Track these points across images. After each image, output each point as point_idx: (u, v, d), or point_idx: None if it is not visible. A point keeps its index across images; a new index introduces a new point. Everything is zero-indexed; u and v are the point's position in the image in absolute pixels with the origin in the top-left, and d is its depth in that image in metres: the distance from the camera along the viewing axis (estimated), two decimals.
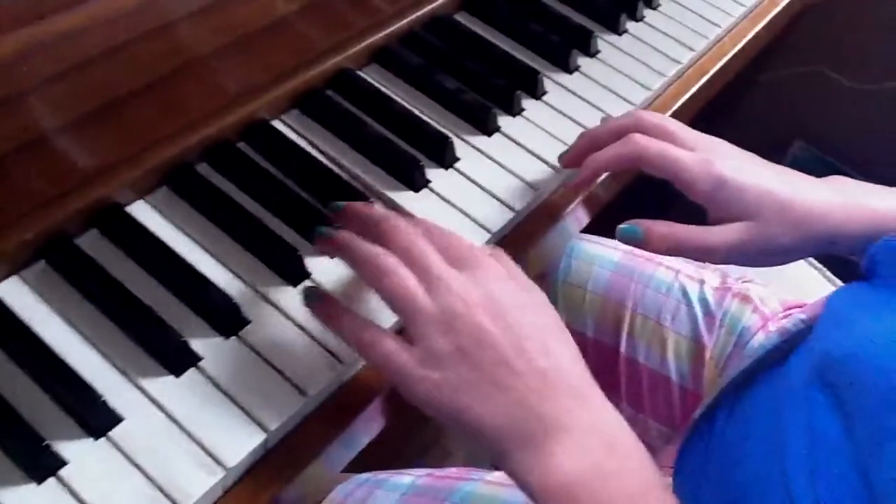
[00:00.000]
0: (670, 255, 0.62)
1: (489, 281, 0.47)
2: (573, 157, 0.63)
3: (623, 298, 0.82)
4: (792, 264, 0.96)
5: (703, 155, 0.59)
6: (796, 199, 0.59)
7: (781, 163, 1.15)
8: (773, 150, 1.47)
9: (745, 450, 0.58)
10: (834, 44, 1.34)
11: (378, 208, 0.53)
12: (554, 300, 0.83)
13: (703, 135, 0.62)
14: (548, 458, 0.44)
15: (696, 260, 0.63)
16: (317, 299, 0.50)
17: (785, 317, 0.79)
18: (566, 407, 0.45)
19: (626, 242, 0.60)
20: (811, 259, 1.00)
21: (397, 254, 0.47)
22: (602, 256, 0.85)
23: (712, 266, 0.88)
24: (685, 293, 0.81)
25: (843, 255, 0.63)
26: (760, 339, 0.77)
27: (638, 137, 0.60)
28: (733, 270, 0.87)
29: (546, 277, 0.84)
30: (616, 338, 0.81)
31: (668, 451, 0.70)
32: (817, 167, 1.45)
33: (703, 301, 0.81)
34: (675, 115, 0.77)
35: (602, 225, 0.85)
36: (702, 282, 0.82)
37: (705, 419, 0.67)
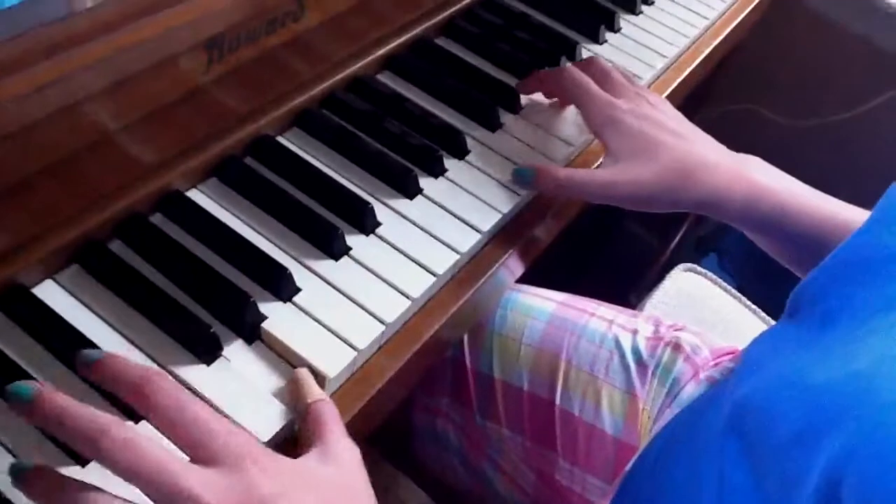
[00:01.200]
0: (554, 194, 0.69)
1: (239, 469, 0.41)
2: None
3: (558, 350, 0.82)
4: (722, 302, 0.98)
5: (613, 99, 0.68)
6: (680, 145, 0.65)
7: None
8: None
9: (667, 501, 0.58)
10: (762, 82, 1.37)
11: (103, 418, 0.41)
12: (489, 352, 0.83)
13: (637, 87, 0.71)
14: None
15: (579, 199, 0.71)
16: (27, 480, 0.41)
17: (715, 365, 0.79)
18: None
19: (519, 184, 0.68)
20: (739, 296, 1.01)
21: (125, 467, 0.39)
22: (537, 308, 0.85)
23: (644, 315, 0.89)
24: (618, 344, 0.82)
25: (719, 219, 0.67)
26: (690, 390, 0.77)
27: (570, 67, 0.71)
28: (666, 318, 0.88)
29: (482, 330, 0.84)
30: (551, 391, 0.81)
31: None
32: None
33: (636, 351, 0.81)
34: None
35: (539, 273, 0.86)
36: (634, 332, 0.83)
37: (634, 472, 0.67)
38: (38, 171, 0.51)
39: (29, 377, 0.49)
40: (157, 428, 0.43)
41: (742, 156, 0.67)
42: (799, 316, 0.57)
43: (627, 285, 1.36)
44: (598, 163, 0.75)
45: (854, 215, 0.64)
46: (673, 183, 0.65)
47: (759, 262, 0.81)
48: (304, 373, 0.53)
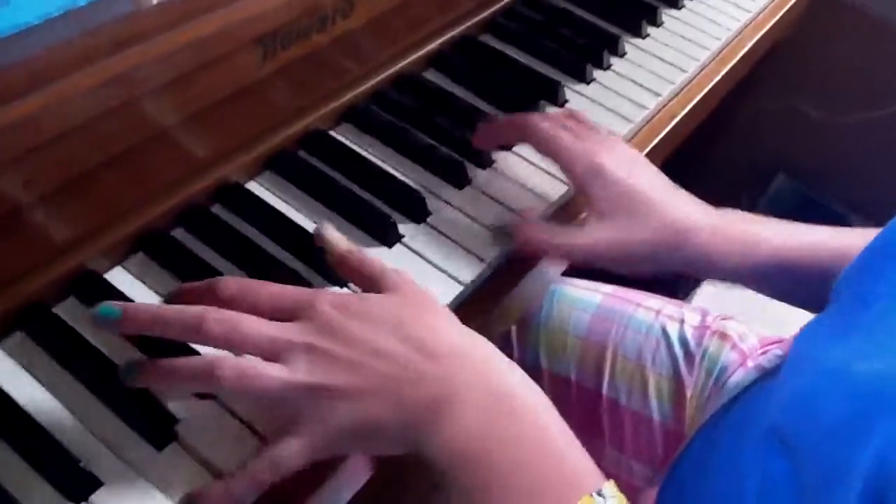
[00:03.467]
0: (535, 254, 0.65)
1: (324, 312, 0.46)
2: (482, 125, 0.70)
3: (604, 341, 0.83)
4: (773, 300, 0.98)
5: (590, 145, 0.63)
6: (667, 207, 0.61)
7: (764, 195, 1.16)
8: (756, 184, 1.49)
9: (712, 494, 0.58)
10: (805, 79, 1.37)
11: (175, 309, 0.47)
12: (536, 344, 0.84)
13: (604, 133, 0.66)
14: (442, 432, 0.45)
15: (560, 259, 0.67)
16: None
17: (763, 353, 0.80)
18: (445, 375, 0.46)
19: (495, 241, 0.64)
20: None
21: (229, 342, 0.46)
22: (583, 300, 0.86)
23: (692, 304, 0.89)
24: (665, 333, 0.82)
25: (709, 278, 0.65)
26: (738, 377, 0.78)
27: (536, 116, 0.66)
28: (714, 308, 0.88)
29: (529, 322, 0.85)
30: (598, 381, 0.82)
31: (651, 493, 0.70)
32: (799, 199, 1.47)
33: (683, 340, 0.82)
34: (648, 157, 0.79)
35: (586, 271, 0.87)
36: (682, 321, 0.83)
37: (682, 460, 0.68)
38: (103, 162, 0.54)
39: (108, 361, 0.52)
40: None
41: (722, 211, 0.64)
42: (840, 304, 0.57)
43: (675, 282, 1.36)
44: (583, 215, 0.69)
45: (851, 239, 0.62)
46: (662, 246, 0.62)
47: None
48: (323, 229, 0.54)
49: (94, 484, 0.47)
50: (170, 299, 0.50)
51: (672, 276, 0.65)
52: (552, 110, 0.77)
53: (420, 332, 0.47)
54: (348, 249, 0.52)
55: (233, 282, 0.48)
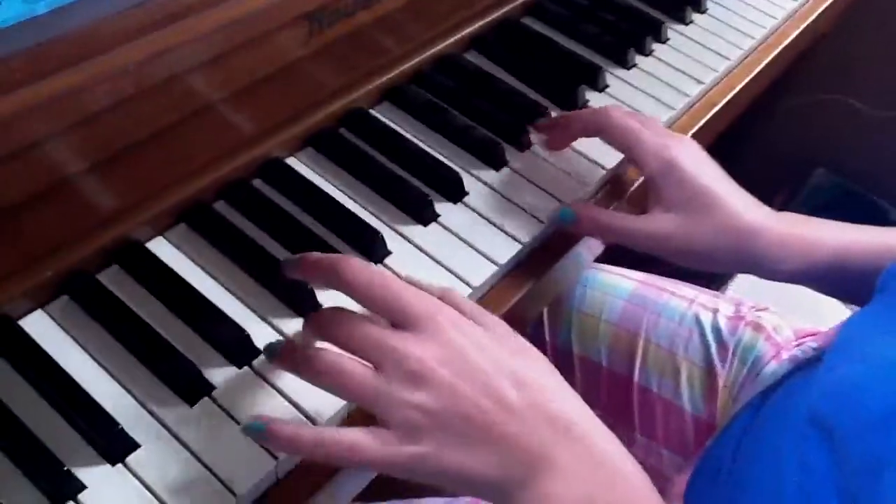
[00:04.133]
0: (597, 237, 0.67)
1: (442, 331, 0.45)
2: (546, 125, 0.71)
3: (637, 328, 0.83)
4: (811, 292, 0.97)
5: (663, 140, 0.63)
6: (732, 207, 0.62)
7: (802, 189, 1.14)
8: (794, 178, 1.47)
9: (748, 482, 0.58)
10: (850, 71, 1.35)
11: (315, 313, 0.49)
12: (568, 329, 0.84)
13: (673, 132, 0.67)
14: (541, 497, 0.44)
15: (619, 244, 0.66)
16: (258, 432, 0.46)
17: (798, 345, 0.79)
18: (551, 438, 0.44)
19: (560, 224, 0.65)
20: None
21: (339, 341, 0.46)
22: (616, 286, 0.86)
23: (727, 295, 0.89)
24: (698, 322, 0.82)
25: (765, 278, 0.66)
26: (773, 368, 0.77)
27: (610, 109, 0.67)
28: (748, 299, 0.88)
29: (561, 306, 0.85)
30: (630, 367, 0.82)
31: (680, 481, 0.70)
32: (839, 194, 1.45)
33: (717, 330, 0.81)
34: None
35: (618, 254, 0.87)
36: (715, 311, 0.83)
37: (715, 448, 0.68)
38: (149, 135, 0.55)
39: (150, 329, 0.53)
40: (357, 301, 0.47)
41: (781, 214, 0.64)
42: (888, 295, 0.57)
43: (709, 278, 1.36)
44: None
45: None
46: (722, 244, 0.62)
47: None
48: (411, 278, 0.52)
49: (132, 446, 0.48)
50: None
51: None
52: (592, 95, 0.77)
53: (537, 385, 0.46)
54: (444, 288, 0.50)
55: (361, 274, 0.47)
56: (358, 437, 0.44)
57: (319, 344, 0.48)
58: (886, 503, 0.42)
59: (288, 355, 0.48)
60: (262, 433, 0.45)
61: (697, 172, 0.62)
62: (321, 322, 0.48)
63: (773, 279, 0.65)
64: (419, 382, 0.44)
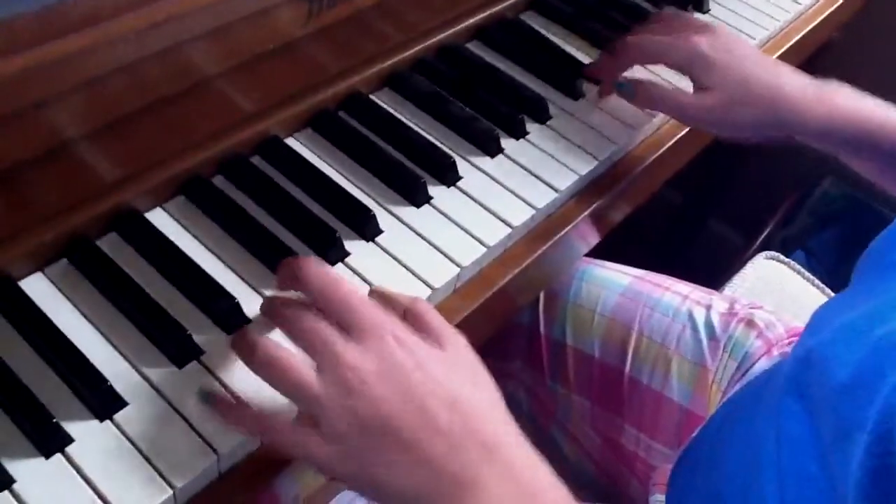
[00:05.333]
0: (651, 108, 0.75)
1: (385, 345, 0.46)
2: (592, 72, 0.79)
3: (630, 321, 0.84)
4: (803, 290, 0.97)
5: (687, 37, 0.70)
6: (765, 77, 0.69)
7: (811, 197, 1.13)
8: (803, 186, 1.47)
9: (726, 465, 0.59)
10: (858, 80, 1.35)
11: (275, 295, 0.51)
12: (563, 320, 0.86)
13: (707, 23, 0.74)
14: None
15: (669, 115, 0.75)
16: (210, 401, 0.49)
17: (789, 343, 0.80)
18: (477, 461, 0.44)
19: (620, 93, 0.74)
20: (822, 285, 1.00)
21: (286, 330, 0.48)
22: (612, 280, 0.87)
23: (721, 294, 0.89)
24: (691, 318, 0.83)
25: (808, 144, 0.71)
26: (763, 365, 0.78)
27: (630, 38, 0.74)
28: (742, 296, 0.88)
29: (557, 299, 0.86)
30: (622, 359, 0.83)
31: (664, 471, 0.71)
32: (847, 203, 1.45)
33: (709, 326, 0.82)
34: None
35: (613, 250, 0.88)
36: (708, 307, 0.84)
37: (698, 439, 0.69)
38: (149, 105, 0.56)
39: (145, 294, 0.55)
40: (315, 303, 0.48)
41: (827, 82, 0.70)
42: (863, 277, 0.58)
43: (710, 283, 1.36)
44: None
45: None
46: (762, 109, 0.68)
47: (852, 266, 0.81)
48: (379, 288, 0.54)
49: (120, 403, 0.50)
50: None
51: (766, 140, 0.72)
52: (591, 88, 0.78)
53: (470, 408, 0.46)
54: (413, 299, 0.51)
55: (317, 277, 0.48)
56: (286, 426, 0.46)
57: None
58: (853, 466, 0.43)
59: (238, 339, 0.48)
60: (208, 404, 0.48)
61: (725, 54, 0.69)
62: (275, 308, 0.49)
63: (809, 138, 0.71)
64: (351, 391, 0.44)
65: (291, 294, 0.50)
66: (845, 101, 0.68)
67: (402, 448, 0.44)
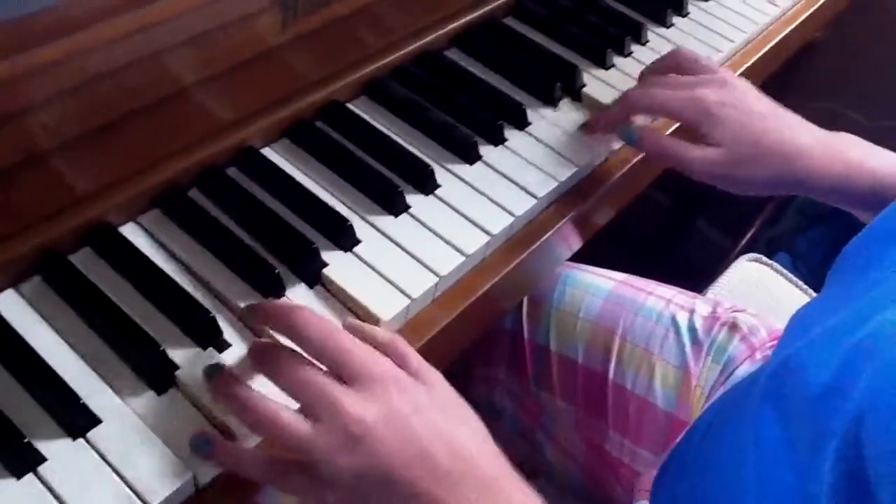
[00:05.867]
0: (656, 157, 0.72)
1: (387, 393, 0.47)
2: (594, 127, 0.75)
3: (614, 326, 0.83)
4: (787, 292, 0.97)
5: (693, 91, 0.68)
6: (773, 133, 0.66)
7: (795, 202, 1.11)
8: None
9: (709, 471, 0.59)
10: (845, 81, 1.35)
11: (263, 342, 0.52)
12: (547, 326, 0.85)
13: (715, 70, 0.72)
14: None
15: (673, 167, 0.71)
16: (207, 449, 0.49)
17: (771, 346, 0.80)
18: (475, 498, 0.46)
19: (626, 141, 0.72)
20: (806, 287, 1.00)
21: (279, 382, 0.48)
22: (596, 285, 0.87)
23: (704, 297, 0.89)
24: (674, 322, 0.83)
25: (817, 200, 0.69)
26: (746, 368, 0.78)
27: (628, 93, 0.72)
28: (725, 299, 0.88)
29: (541, 305, 0.86)
30: (605, 364, 0.82)
31: (648, 476, 0.71)
32: (832, 206, 1.45)
33: (692, 330, 0.82)
34: None
35: (598, 252, 0.88)
36: (692, 311, 0.84)
37: (683, 444, 0.68)
38: (123, 116, 0.56)
39: (119, 311, 0.54)
40: (307, 352, 0.49)
41: (833, 134, 0.68)
42: (836, 281, 0.58)
43: (695, 284, 1.36)
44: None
45: None
46: (774, 168, 0.66)
47: None
48: (353, 321, 0.55)
49: (94, 421, 0.49)
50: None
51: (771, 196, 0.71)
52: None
53: (466, 448, 0.47)
54: (391, 337, 0.52)
55: (314, 328, 0.49)
56: (287, 476, 0.47)
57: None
58: (826, 472, 0.42)
59: (223, 389, 0.48)
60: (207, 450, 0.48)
61: (732, 109, 0.67)
62: (264, 358, 0.49)
63: (816, 197, 0.69)
64: (356, 442, 0.45)
65: (274, 337, 0.51)
66: (860, 156, 0.66)
67: (407, 495, 0.45)
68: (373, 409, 0.46)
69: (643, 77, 0.76)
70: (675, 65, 0.73)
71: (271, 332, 0.53)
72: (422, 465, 0.46)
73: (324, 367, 0.48)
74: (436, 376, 0.50)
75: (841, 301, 0.53)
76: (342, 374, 0.47)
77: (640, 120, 0.73)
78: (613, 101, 0.77)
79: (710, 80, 0.69)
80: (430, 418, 0.47)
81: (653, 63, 0.76)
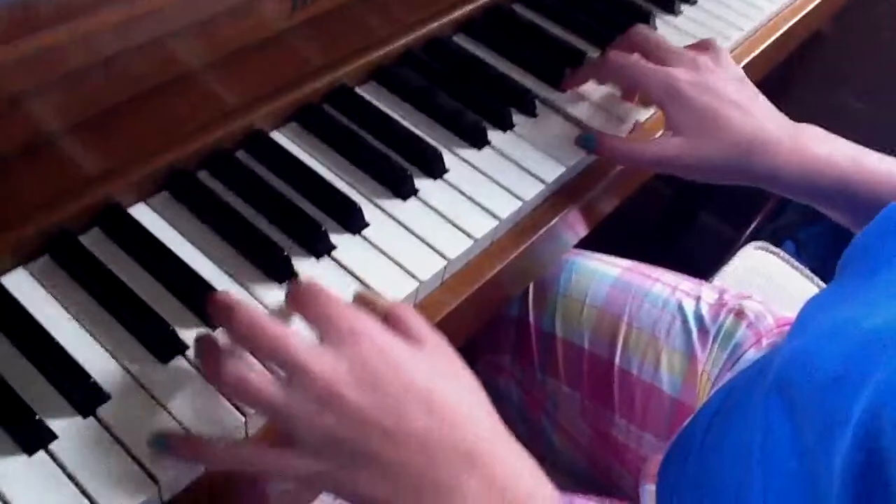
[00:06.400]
0: (614, 160, 0.72)
1: (359, 349, 0.44)
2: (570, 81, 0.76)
3: (620, 312, 0.84)
4: (792, 280, 0.97)
5: (668, 70, 0.66)
6: (738, 123, 0.64)
7: None
8: None
9: (716, 458, 0.59)
10: (846, 75, 1.35)
11: (239, 307, 0.46)
12: (553, 312, 0.85)
13: (693, 51, 0.69)
14: None
15: (634, 167, 0.71)
16: (164, 445, 0.47)
17: (779, 332, 0.80)
18: (457, 468, 0.43)
19: (584, 148, 0.70)
20: (811, 274, 1.00)
21: (249, 345, 0.46)
22: (602, 272, 0.87)
23: (712, 283, 0.89)
24: (681, 308, 0.83)
25: (776, 191, 0.67)
26: (752, 355, 0.78)
27: (609, 54, 0.70)
28: (731, 286, 0.88)
29: (547, 291, 0.86)
30: (611, 350, 0.83)
31: (655, 461, 0.71)
32: None
33: (698, 317, 0.82)
34: None
35: (603, 241, 0.88)
36: (698, 298, 0.84)
37: (689, 429, 0.69)
38: (133, 98, 0.56)
39: (126, 288, 0.55)
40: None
41: (801, 127, 0.66)
42: (848, 273, 0.58)
43: (699, 274, 1.36)
44: (660, 132, 0.76)
45: None
46: (735, 159, 0.65)
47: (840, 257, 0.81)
48: (363, 292, 0.53)
49: (103, 399, 0.50)
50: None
51: (743, 189, 0.68)
52: None
53: (450, 410, 0.44)
54: (392, 303, 0.50)
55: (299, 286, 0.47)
56: (257, 453, 0.46)
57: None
58: (837, 460, 0.43)
59: (203, 356, 0.47)
60: (164, 448, 0.47)
61: (700, 93, 0.65)
62: (234, 323, 0.45)
63: (783, 193, 0.67)
64: (325, 405, 0.43)
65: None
66: (818, 148, 0.64)
67: (382, 458, 0.43)
68: (343, 367, 0.43)
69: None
70: (645, 43, 0.70)
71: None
72: (395, 424, 0.43)
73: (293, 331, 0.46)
74: (434, 340, 0.47)
75: (849, 294, 0.53)
76: (317, 329, 0.45)
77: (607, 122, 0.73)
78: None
79: (690, 60, 0.67)
80: (408, 373, 0.44)
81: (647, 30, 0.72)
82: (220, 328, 0.53)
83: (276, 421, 0.45)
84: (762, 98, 0.68)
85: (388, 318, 0.48)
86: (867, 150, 0.66)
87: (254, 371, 0.44)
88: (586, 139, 0.70)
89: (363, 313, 0.47)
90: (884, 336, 0.45)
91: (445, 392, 0.45)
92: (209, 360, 0.46)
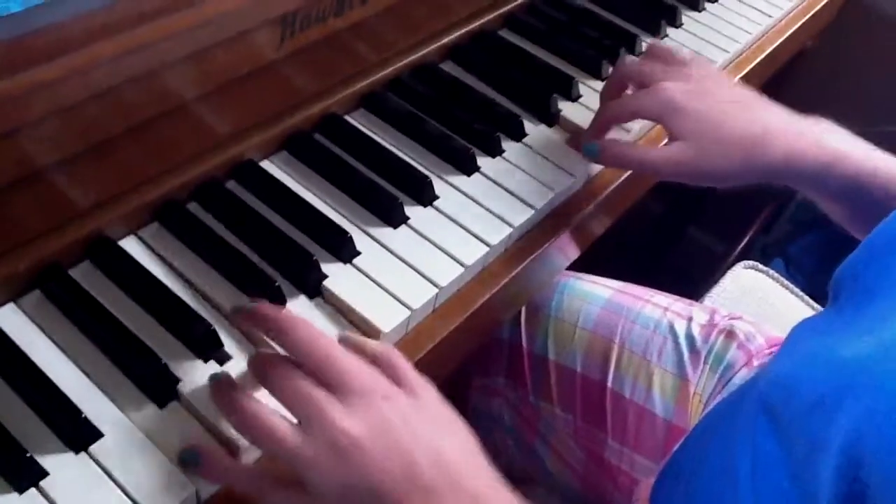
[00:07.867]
0: (617, 167, 0.73)
1: (375, 406, 0.47)
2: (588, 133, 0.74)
3: (611, 334, 0.84)
4: (783, 299, 0.98)
5: (661, 88, 0.67)
6: (740, 125, 0.64)
7: (791, 204, 1.09)
8: (783, 193, 1.48)
9: (706, 478, 0.59)
10: (837, 87, 1.36)
11: (263, 351, 0.51)
12: (545, 335, 0.85)
13: (683, 63, 0.70)
14: None
15: (639, 172, 0.71)
16: (193, 460, 0.48)
17: (769, 352, 0.80)
18: None
19: (588, 158, 0.70)
20: (801, 293, 1.01)
21: (271, 389, 0.48)
22: (593, 294, 0.87)
23: (701, 305, 0.90)
24: (672, 329, 0.83)
25: (787, 184, 0.67)
26: (743, 376, 0.78)
27: (610, 106, 0.71)
28: (722, 307, 0.89)
29: (538, 313, 0.86)
30: (604, 373, 0.83)
31: (647, 485, 0.71)
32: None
33: (690, 338, 0.82)
34: None
35: (594, 260, 0.88)
36: (689, 319, 0.84)
37: (680, 451, 0.69)
38: (123, 132, 0.56)
39: (120, 325, 0.55)
40: (299, 360, 0.49)
41: (812, 119, 0.66)
42: (838, 297, 0.58)
43: (690, 291, 1.37)
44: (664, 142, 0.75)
45: None
46: (741, 156, 0.64)
47: (830, 273, 0.81)
48: (350, 335, 0.54)
49: (96, 435, 0.49)
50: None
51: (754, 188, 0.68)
52: (565, 105, 0.78)
53: (453, 462, 0.47)
54: (384, 349, 0.51)
55: (302, 331, 0.49)
56: (272, 488, 0.47)
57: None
58: (824, 484, 0.43)
59: (218, 395, 0.49)
60: (196, 464, 0.48)
61: (699, 103, 0.66)
62: (258, 366, 0.49)
63: (795, 186, 0.67)
64: (341, 454, 0.45)
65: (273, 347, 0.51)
66: (838, 142, 0.64)
67: None
68: (359, 421, 0.46)
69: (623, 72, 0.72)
70: (650, 58, 0.71)
71: (270, 342, 0.53)
72: (406, 477, 0.45)
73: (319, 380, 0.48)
74: (426, 389, 0.50)
75: (835, 319, 0.53)
76: (330, 383, 0.47)
77: (612, 133, 0.73)
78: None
79: (676, 72, 0.68)
80: (417, 430, 0.47)
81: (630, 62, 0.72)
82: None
83: (290, 464, 0.46)
84: (758, 94, 0.68)
85: (379, 363, 0.50)
86: (885, 153, 0.66)
87: (274, 414, 0.46)
88: (589, 148, 0.70)
89: (368, 366, 0.49)
90: (860, 365, 0.45)
91: (448, 445, 0.48)
92: (225, 400, 0.48)
